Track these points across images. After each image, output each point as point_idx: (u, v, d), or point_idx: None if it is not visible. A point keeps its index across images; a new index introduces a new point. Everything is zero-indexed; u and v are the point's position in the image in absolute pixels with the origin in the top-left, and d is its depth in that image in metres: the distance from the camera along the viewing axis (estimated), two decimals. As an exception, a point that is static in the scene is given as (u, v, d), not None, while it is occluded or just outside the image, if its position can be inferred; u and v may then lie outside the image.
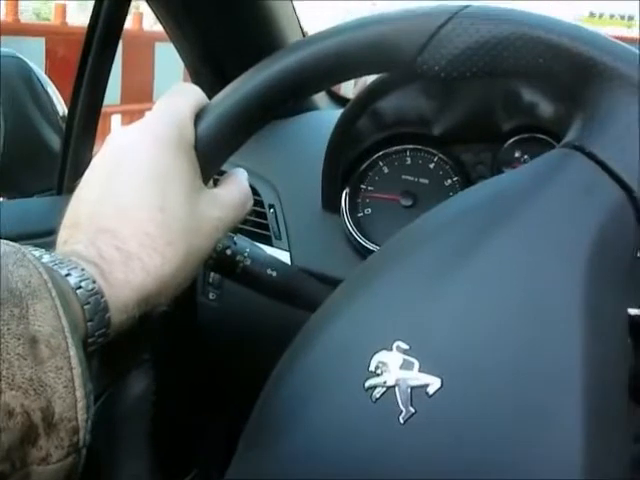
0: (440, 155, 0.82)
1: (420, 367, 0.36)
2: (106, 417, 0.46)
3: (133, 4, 1.02)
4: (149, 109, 0.49)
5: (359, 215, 0.83)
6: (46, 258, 0.40)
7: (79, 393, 0.36)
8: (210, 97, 0.50)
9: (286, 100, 0.49)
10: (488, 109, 0.77)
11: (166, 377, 0.52)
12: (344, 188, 0.83)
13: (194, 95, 0.49)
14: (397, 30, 0.45)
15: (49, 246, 0.43)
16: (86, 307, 0.39)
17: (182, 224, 0.45)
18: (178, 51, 1.06)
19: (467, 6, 0.44)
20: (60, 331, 0.36)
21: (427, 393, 0.35)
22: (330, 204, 0.85)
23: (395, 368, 0.36)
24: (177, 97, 0.49)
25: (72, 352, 0.36)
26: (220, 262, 0.61)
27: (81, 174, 0.47)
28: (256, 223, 0.91)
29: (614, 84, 0.40)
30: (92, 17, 0.97)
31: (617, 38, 0.43)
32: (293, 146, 1.00)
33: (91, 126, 1.02)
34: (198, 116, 0.48)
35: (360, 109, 0.79)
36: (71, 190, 0.46)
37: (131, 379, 0.47)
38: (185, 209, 0.45)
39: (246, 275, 0.62)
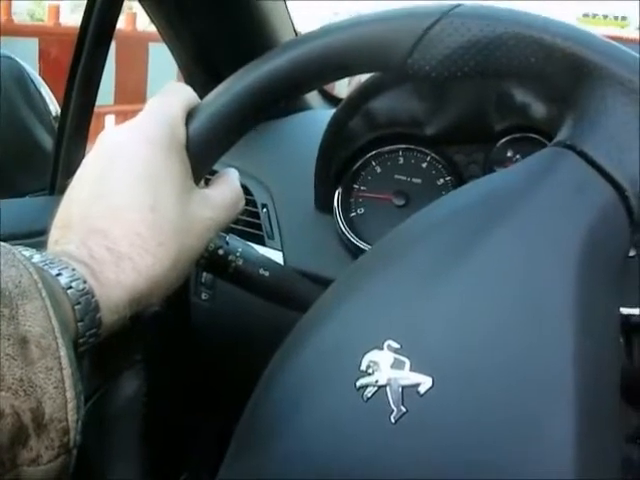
0: (433, 155, 0.82)
1: (411, 366, 0.36)
2: (97, 418, 0.45)
3: (126, 4, 1.01)
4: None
5: (352, 215, 0.83)
6: (37, 258, 0.40)
7: (69, 394, 0.35)
8: (203, 97, 0.50)
9: (278, 100, 0.49)
10: (480, 109, 0.77)
11: (158, 378, 0.52)
12: (337, 188, 0.83)
13: (185, 95, 0.49)
14: (388, 30, 0.45)
15: (41, 246, 0.43)
16: (77, 307, 0.39)
17: (173, 224, 0.44)
18: (171, 51, 1.06)
19: (458, 5, 0.44)
20: (50, 331, 0.36)
21: (418, 392, 0.35)
22: (323, 204, 0.85)
23: (386, 367, 0.36)
24: (169, 97, 0.49)
25: (62, 352, 0.36)
26: (212, 262, 0.61)
27: (73, 174, 0.47)
28: (249, 223, 0.90)
29: (605, 83, 0.40)
30: (84, 17, 0.97)
31: (611, 38, 0.43)
32: (286, 146, 0.99)
33: (84, 126, 1.02)
34: (190, 116, 0.48)
35: (353, 109, 0.79)
36: (63, 190, 0.46)
37: (122, 380, 0.47)
38: (176, 209, 0.45)
39: (238, 275, 0.62)
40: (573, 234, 0.38)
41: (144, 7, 0.98)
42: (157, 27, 1.02)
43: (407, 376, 0.36)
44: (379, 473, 0.35)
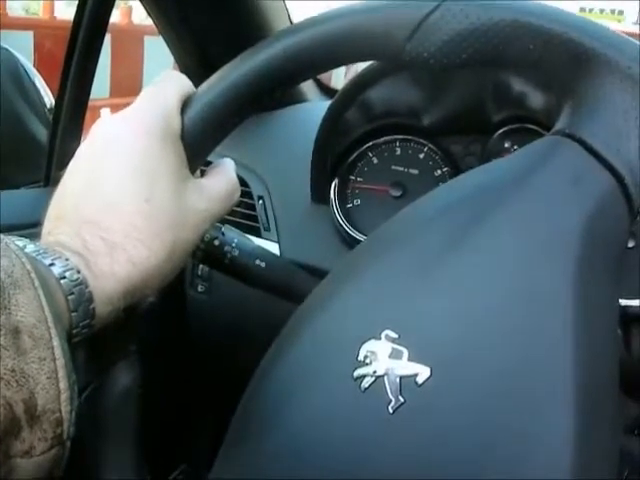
0: (430, 146, 0.81)
1: (409, 356, 0.35)
2: (92, 410, 0.45)
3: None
4: (138, 103, 0.48)
5: (348, 206, 0.83)
6: (30, 248, 0.39)
7: (63, 384, 0.35)
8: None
9: (274, 88, 0.49)
10: (477, 100, 0.77)
11: (153, 370, 0.52)
12: (333, 179, 0.83)
13: (180, 84, 0.49)
14: (385, 17, 0.44)
15: (35, 238, 0.42)
16: (70, 297, 0.39)
17: (168, 215, 0.44)
18: (167, 44, 1.06)
19: None
20: (43, 321, 0.35)
21: (416, 382, 0.35)
22: (319, 195, 0.85)
23: (384, 357, 0.36)
24: (164, 86, 0.48)
25: (55, 342, 0.35)
26: (208, 253, 0.60)
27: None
28: (245, 215, 0.90)
29: (604, 71, 0.40)
30: (78, 9, 0.97)
31: None
32: (282, 138, 0.99)
33: (78, 118, 1.01)
34: (185, 105, 0.48)
35: (349, 100, 0.79)
36: (58, 182, 0.46)
37: (117, 371, 0.47)
38: (172, 200, 0.44)
39: (234, 266, 0.62)
40: (572, 223, 0.37)
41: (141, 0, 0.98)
42: (153, 20, 1.02)
43: (405, 366, 0.35)
44: (377, 463, 0.35)
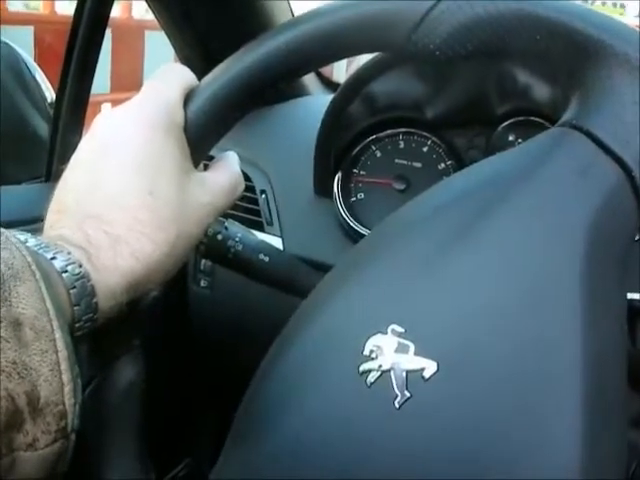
0: (433, 139, 0.81)
1: (416, 350, 0.35)
2: (96, 404, 0.45)
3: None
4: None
5: (352, 200, 0.82)
6: (31, 242, 0.39)
7: (65, 377, 0.35)
8: (200, 82, 0.49)
9: (277, 81, 0.48)
10: (482, 92, 0.77)
11: (156, 365, 0.51)
12: (336, 173, 0.83)
13: (183, 76, 0.48)
14: (390, 8, 0.44)
15: (37, 233, 0.42)
16: (72, 291, 0.38)
17: (172, 208, 0.44)
18: (168, 37, 1.05)
19: None
20: (45, 314, 0.35)
21: (423, 377, 0.34)
22: (322, 189, 0.84)
23: (390, 352, 0.35)
24: (166, 78, 0.48)
25: (57, 335, 0.35)
26: (211, 247, 0.60)
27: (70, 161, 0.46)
28: (247, 209, 0.90)
29: (611, 62, 0.39)
30: (78, 4, 0.96)
31: None
32: (285, 132, 0.99)
33: (79, 113, 1.01)
34: (187, 98, 0.48)
35: (352, 93, 0.78)
36: (60, 177, 0.45)
37: (121, 365, 0.46)
38: (175, 193, 0.44)
39: (238, 261, 0.62)
40: (579, 216, 0.37)
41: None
42: (155, 14, 1.01)
43: (411, 360, 0.35)
44: (383, 458, 0.34)
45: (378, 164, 0.83)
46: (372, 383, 0.35)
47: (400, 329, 0.36)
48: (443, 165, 0.80)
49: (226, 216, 0.64)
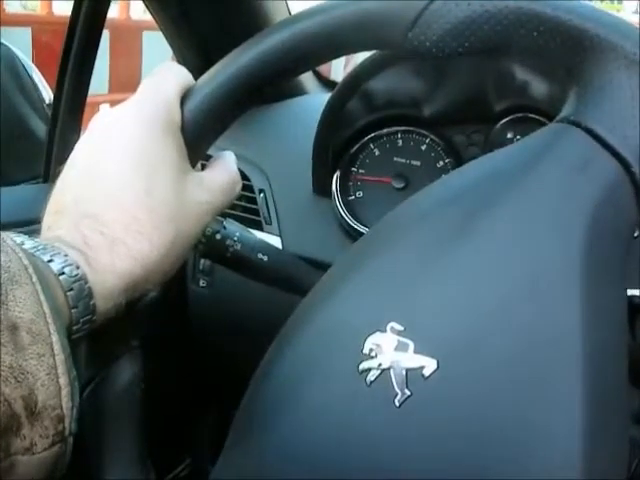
0: (432, 137, 0.81)
1: (415, 348, 0.35)
2: (94, 405, 0.45)
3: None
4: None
5: (350, 198, 0.82)
6: (28, 244, 0.39)
7: (63, 380, 0.35)
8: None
9: (273, 80, 0.48)
10: (480, 89, 0.77)
11: (155, 365, 0.51)
12: (335, 171, 0.83)
13: (180, 75, 0.48)
14: (387, 5, 0.44)
15: (35, 234, 0.42)
16: (69, 293, 0.38)
17: (170, 208, 0.43)
18: (165, 37, 1.05)
19: None
20: (41, 317, 0.35)
21: (423, 375, 0.34)
22: (321, 188, 0.84)
23: (390, 350, 0.35)
24: (163, 78, 0.48)
25: (54, 338, 0.35)
26: (210, 247, 0.60)
27: (67, 162, 0.46)
28: (246, 208, 0.90)
29: (609, 57, 0.39)
30: (75, 4, 0.96)
31: None
32: (283, 130, 0.99)
33: (77, 113, 1.01)
34: (184, 97, 0.47)
35: (350, 91, 0.78)
36: (57, 178, 0.45)
37: (120, 366, 0.46)
38: (173, 192, 0.44)
39: (236, 259, 0.62)
40: (578, 212, 0.37)
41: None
42: (152, 14, 1.01)
43: (411, 358, 0.35)
44: (384, 457, 0.34)
45: (377, 162, 0.83)
46: (372, 382, 0.35)
47: (399, 327, 0.36)
48: (442, 163, 0.80)
49: (224, 215, 0.64)
